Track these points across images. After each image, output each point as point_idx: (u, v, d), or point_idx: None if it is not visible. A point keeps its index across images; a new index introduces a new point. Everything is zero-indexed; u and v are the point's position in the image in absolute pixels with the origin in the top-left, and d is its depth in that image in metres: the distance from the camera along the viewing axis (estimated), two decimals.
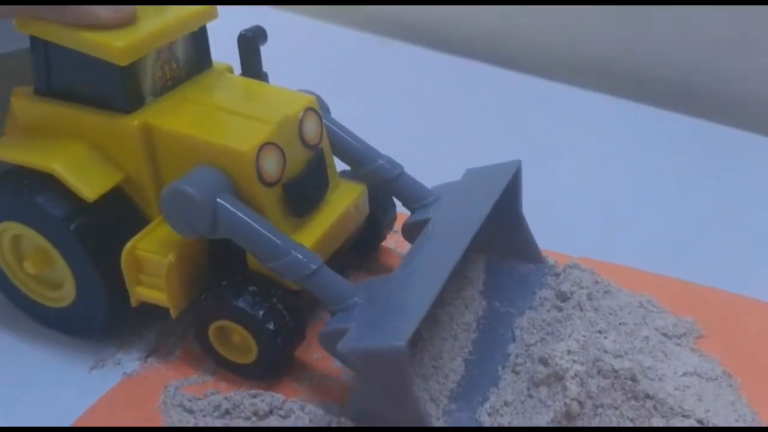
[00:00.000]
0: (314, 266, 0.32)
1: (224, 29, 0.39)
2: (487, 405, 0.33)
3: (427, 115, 0.59)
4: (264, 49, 0.38)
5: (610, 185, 0.51)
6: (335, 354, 0.32)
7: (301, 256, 0.32)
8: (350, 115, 0.41)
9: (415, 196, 0.38)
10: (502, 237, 0.39)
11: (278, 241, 0.32)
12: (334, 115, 0.39)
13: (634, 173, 0.52)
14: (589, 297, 0.37)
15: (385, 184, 0.38)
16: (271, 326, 0.32)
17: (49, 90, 0.34)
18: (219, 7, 0.36)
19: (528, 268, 0.39)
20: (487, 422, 0.32)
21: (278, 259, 0.31)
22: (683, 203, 0.49)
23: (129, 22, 0.32)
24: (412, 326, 0.29)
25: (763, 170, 0.53)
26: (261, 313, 0.32)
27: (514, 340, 0.36)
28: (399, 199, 0.39)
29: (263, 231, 0.32)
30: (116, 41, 0.32)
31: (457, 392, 0.33)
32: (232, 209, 0.31)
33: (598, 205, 0.48)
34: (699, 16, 0.61)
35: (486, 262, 0.40)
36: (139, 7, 0.33)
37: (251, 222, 0.32)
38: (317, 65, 0.65)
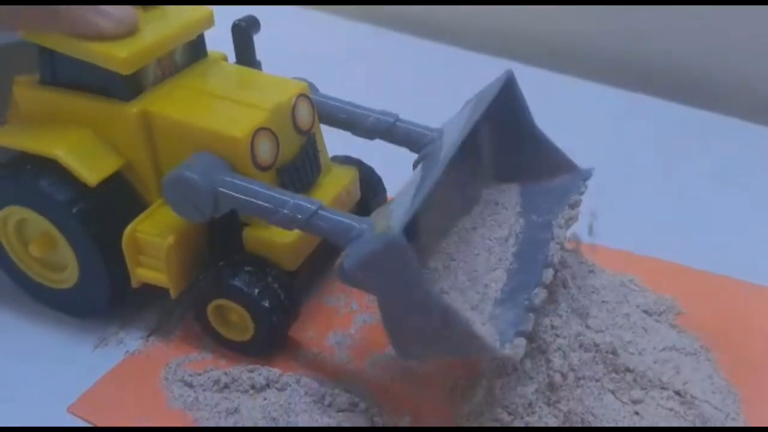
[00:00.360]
0: (314, 207, 0.32)
1: (219, 18, 0.40)
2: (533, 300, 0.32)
3: (423, 104, 0.60)
4: (259, 39, 0.39)
5: (598, 171, 0.52)
6: (347, 281, 0.31)
7: (300, 201, 0.32)
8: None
9: (415, 138, 0.38)
10: (527, 159, 0.38)
11: (276, 195, 0.32)
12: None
13: (620, 158, 0.53)
14: (573, 276, 0.38)
15: (385, 135, 0.38)
16: (266, 304, 0.34)
17: (53, 80, 0.35)
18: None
19: (563, 179, 0.38)
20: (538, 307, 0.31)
21: (280, 210, 0.32)
22: (665, 186, 0.50)
23: (131, 33, 0.34)
24: (405, 218, 0.28)
25: (740, 153, 0.54)
26: (256, 291, 0.33)
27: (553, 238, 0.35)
28: (402, 144, 0.39)
29: (261, 190, 0.32)
30: (119, 52, 0.33)
31: (501, 299, 0.33)
32: (230, 181, 0.33)
33: (587, 190, 0.50)
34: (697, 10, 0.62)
35: (520, 190, 0.38)
36: (139, 13, 0.35)
37: (249, 186, 0.32)
38: (313, 54, 0.66)
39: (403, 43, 0.69)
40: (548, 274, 0.32)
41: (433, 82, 0.63)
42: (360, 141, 0.40)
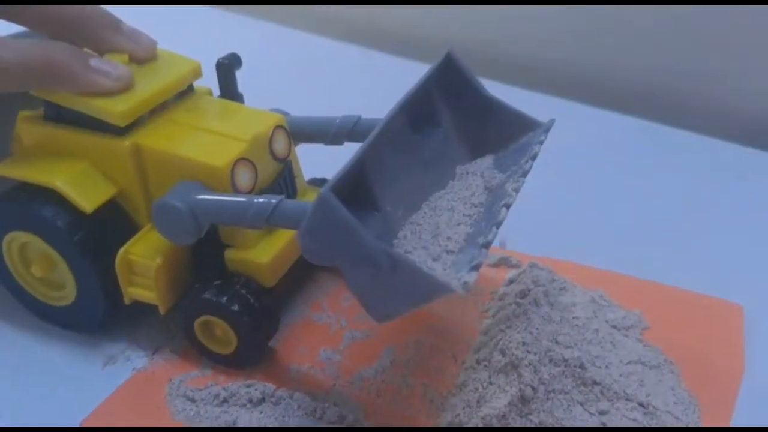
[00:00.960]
0: (275, 201, 0.34)
1: (205, 49, 0.43)
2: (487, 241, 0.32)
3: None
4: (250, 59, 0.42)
5: (572, 191, 0.53)
6: (317, 257, 0.31)
7: (261, 200, 0.34)
8: None
9: None
10: (491, 129, 0.39)
11: (241, 199, 0.35)
12: None
13: (591, 179, 0.55)
14: (545, 294, 0.39)
15: (351, 136, 0.40)
16: (236, 308, 0.36)
17: (56, 119, 0.39)
18: (203, 29, 0.40)
19: (528, 137, 0.39)
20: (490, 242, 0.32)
21: (247, 212, 0.34)
22: (633, 205, 0.51)
23: (127, 89, 0.37)
24: (336, 179, 0.29)
25: (705, 169, 0.55)
26: (237, 306, 0.36)
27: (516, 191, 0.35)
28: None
29: (228, 198, 0.35)
30: (117, 107, 0.36)
31: (462, 246, 0.34)
32: (203, 198, 0.35)
33: (560, 209, 0.51)
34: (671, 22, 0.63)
35: (494, 159, 0.39)
36: (134, 69, 0.38)
37: (219, 198, 0.35)
38: (297, 74, 0.68)
39: (393, 63, 0.71)
40: (502, 214, 0.33)
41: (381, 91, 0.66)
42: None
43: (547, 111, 0.64)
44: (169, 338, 0.40)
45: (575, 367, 0.35)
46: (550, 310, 0.39)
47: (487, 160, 0.39)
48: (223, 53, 0.42)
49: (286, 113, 0.41)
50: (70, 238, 0.37)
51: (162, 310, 0.38)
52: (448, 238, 0.34)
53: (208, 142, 0.37)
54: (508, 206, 0.34)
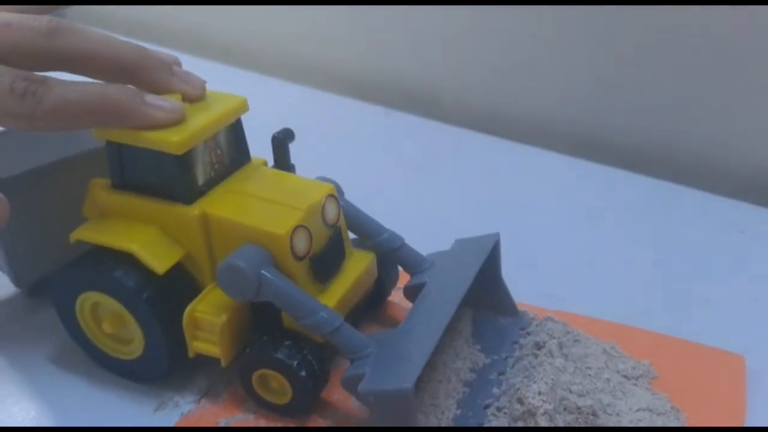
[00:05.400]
0: (337, 324, 0.39)
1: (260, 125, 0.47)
2: None
3: (425, 183, 0.66)
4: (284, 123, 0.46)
5: (584, 247, 0.57)
6: (355, 394, 0.39)
7: (326, 315, 0.39)
8: (358, 186, 0.49)
9: (414, 263, 0.46)
10: (485, 295, 0.46)
11: (307, 304, 0.39)
12: (345, 185, 0.47)
13: (603, 236, 0.59)
14: (560, 345, 0.43)
15: (389, 254, 0.46)
16: (303, 374, 0.39)
17: (122, 185, 0.42)
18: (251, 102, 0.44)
19: (506, 321, 0.47)
20: None
21: (308, 318, 0.39)
22: (642, 261, 0.55)
23: (180, 122, 0.40)
24: (416, 371, 0.36)
25: (707, 228, 0.59)
26: (295, 363, 0.39)
27: (498, 384, 0.43)
28: (400, 265, 0.47)
29: (296, 296, 0.39)
30: (173, 137, 0.39)
31: (449, 427, 0.40)
32: (273, 278, 0.39)
33: (574, 264, 0.55)
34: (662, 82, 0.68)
35: (473, 316, 0.47)
36: (186, 105, 0.41)
37: (287, 288, 0.39)
38: (329, 136, 0.72)
39: (414, 124, 0.75)
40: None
41: (438, 161, 0.69)
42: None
43: (560, 168, 0.69)
44: (215, 383, 0.44)
45: (588, 414, 0.39)
46: (565, 361, 0.43)
47: (468, 316, 0.46)
48: (259, 116, 0.45)
49: (335, 183, 0.45)
50: (140, 297, 0.41)
51: (224, 363, 0.41)
52: (442, 413, 0.40)
53: (268, 210, 0.41)
54: (498, 409, 0.41)
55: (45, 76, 0.39)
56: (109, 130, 0.41)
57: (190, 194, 0.41)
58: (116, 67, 0.41)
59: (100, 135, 0.41)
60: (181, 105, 0.41)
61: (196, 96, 0.43)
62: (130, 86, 0.41)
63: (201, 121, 0.41)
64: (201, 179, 0.42)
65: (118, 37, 0.42)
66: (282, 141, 0.45)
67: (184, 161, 0.40)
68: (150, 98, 0.40)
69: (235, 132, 0.44)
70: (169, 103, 0.40)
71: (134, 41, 0.42)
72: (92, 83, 0.40)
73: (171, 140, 0.39)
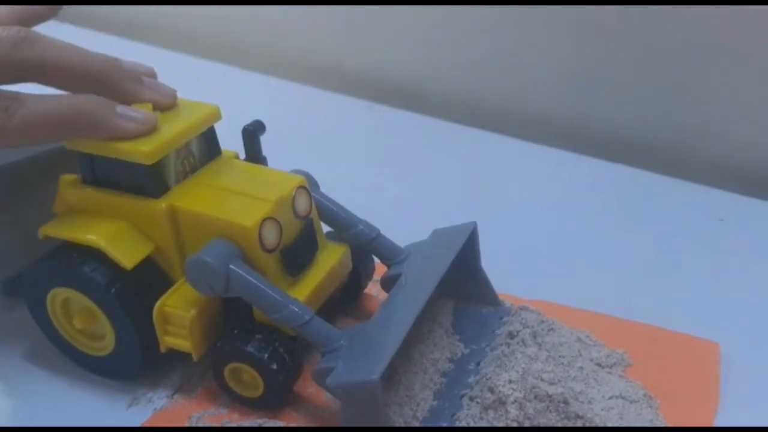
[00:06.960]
0: (307, 317, 0.39)
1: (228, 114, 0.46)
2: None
3: (408, 176, 0.66)
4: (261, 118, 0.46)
5: (562, 237, 0.57)
6: (326, 387, 0.39)
7: (296, 309, 0.39)
8: (340, 180, 0.48)
9: (390, 254, 0.46)
10: (466, 286, 0.46)
11: (278, 298, 0.39)
12: (326, 179, 0.47)
13: (580, 226, 0.59)
14: (534, 335, 0.43)
15: (364, 245, 0.46)
16: (274, 366, 0.39)
17: (92, 181, 0.42)
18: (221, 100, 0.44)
19: (488, 310, 0.47)
20: None
21: (278, 312, 0.39)
22: (619, 250, 0.55)
23: (152, 132, 0.40)
24: (384, 363, 0.36)
25: (683, 216, 0.59)
26: (266, 356, 0.39)
27: (475, 374, 0.43)
28: (377, 256, 0.47)
29: (266, 290, 0.39)
30: (143, 147, 0.39)
31: (428, 419, 0.40)
32: (242, 273, 0.39)
33: (553, 254, 0.55)
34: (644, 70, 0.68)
35: (453, 307, 0.47)
36: (159, 117, 0.41)
37: (256, 283, 0.39)
38: (308, 130, 0.72)
39: (395, 117, 0.75)
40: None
41: (414, 152, 0.70)
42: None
43: (540, 159, 0.69)
44: (188, 378, 0.44)
45: (559, 402, 0.39)
46: (537, 349, 0.43)
47: (449, 307, 0.46)
48: (239, 110, 0.45)
49: (307, 174, 0.45)
50: (109, 292, 0.40)
51: (195, 358, 0.41)
52: (417, 404, 0.40)
53: (237, 202, 0.41)
54: (471, 398, 0.41)
55: (16, 92, 0.39)
56: (81, 141, 0.41)
57: (159, 189, 0.41)
58: (85, 78, 0.41)
59: (71, 146, 0.41)
60: (153, 115, 0.41)
61: (166, 105, 0.43)
62: (100, 97, 0.41)
63: (172, 131, 0.41)
64: (172, 184, 0.42)
65: (88, 49, 0.42)
66: (253, 133, 0.45)
67: (155, 170, 0.41)
68: (121, 109, 0.40)
69: (207, 138, 0.44)
70: (140, 113, 0.40)
71: (113, 38, 0.42)
72: (63, 96, 0.40)
73: (142, 150, 0.39)
